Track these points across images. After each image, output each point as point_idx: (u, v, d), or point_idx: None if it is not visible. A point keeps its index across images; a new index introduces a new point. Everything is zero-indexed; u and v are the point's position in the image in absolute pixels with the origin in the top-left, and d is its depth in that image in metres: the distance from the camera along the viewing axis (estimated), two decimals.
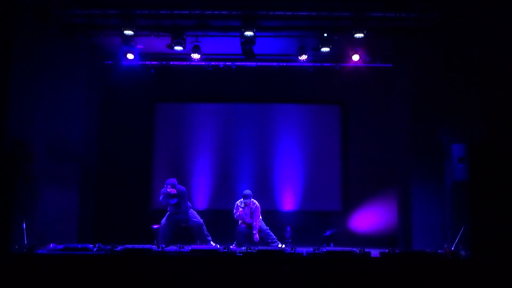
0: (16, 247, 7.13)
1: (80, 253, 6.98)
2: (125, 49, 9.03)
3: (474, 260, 6.81)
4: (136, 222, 10.15)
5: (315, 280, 6.76)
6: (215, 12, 8.47)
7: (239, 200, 8.85)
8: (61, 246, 7.37)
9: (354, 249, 7.12)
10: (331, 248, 8.46)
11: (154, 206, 10.66)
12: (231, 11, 8.45)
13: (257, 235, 8.67)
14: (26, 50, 7.89)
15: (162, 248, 7.52)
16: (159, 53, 9.96)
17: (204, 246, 8.20)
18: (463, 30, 7.95)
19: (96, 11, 8.48)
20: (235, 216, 8.85)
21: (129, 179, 10.83)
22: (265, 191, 10.60)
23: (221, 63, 10.33)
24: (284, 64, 10.32)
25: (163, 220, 8.72)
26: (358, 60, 9.27)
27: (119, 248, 7.10)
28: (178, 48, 8.97)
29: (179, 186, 8.70)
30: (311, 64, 10.12)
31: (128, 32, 8.50)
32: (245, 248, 7.31)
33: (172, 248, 7.59)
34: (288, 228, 9.06)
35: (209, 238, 8.76)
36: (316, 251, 7.04)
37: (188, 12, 8.41)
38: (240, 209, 8.78)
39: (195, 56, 9.41)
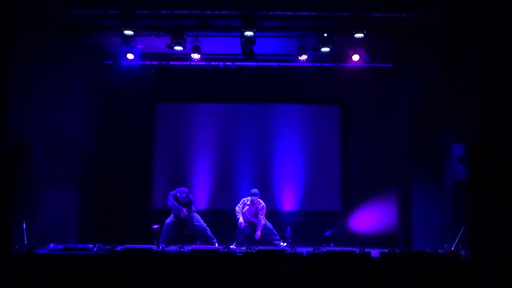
0: (16, 247, 7.13)
1: (80, 253, 6.97)
2: (125, 49, 9.05)
3: (474, 260, 6.81)
4: (136, 222, 10.15)
5: (315, 280, 6.76)
6: (215, 12, 8.48)
7: (246, 198, 8.88)
8: (61, 246, 7.37)
9: (354, 249, 7.12)
10: (331, 248, 8.47)
11: (154, 206, 10.68)
12: (231, 11, 8.46)
13: (259, 233, 8.68)
14: (26, 50, 7.88)
15: (162, 248, 7.54)
16: (159, 53, 9.97)
17: (204, 246, 8.20)
18: (463, 30, 7.94)
19: (96, 11, 8.50)
20: (236, 212, 8.81)
21: (129, 179, 10.82)
22: (265, 191, 10.53)
23: (221, 63, 10.34)
24: (284, 64, 10.33)
25: (168, 220, 8.69)
26: (358, 60, 9.29)
27: (119, 248, 7.10)
28: (178, 48, 8.98)
29: (190, 195, 8.80)
30: (311, 64, 10.13)
31: (128, 32, 8.51)
32: (245, 248, 7.32)
33: (172, 248, 7.60)
34: (288, 228, 9.05)
35: (215, 240, 8.74)
36: (316, 251, 7.04)
37: (188, 12, 8.41)
38: (246, 207, 8.79)
39: (195, 56, 9.42)
